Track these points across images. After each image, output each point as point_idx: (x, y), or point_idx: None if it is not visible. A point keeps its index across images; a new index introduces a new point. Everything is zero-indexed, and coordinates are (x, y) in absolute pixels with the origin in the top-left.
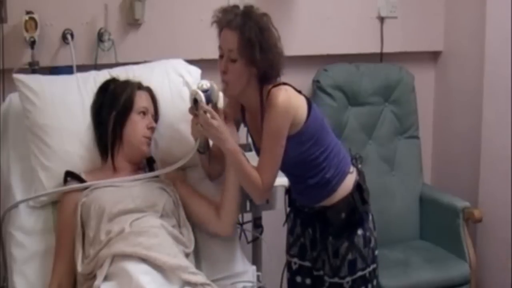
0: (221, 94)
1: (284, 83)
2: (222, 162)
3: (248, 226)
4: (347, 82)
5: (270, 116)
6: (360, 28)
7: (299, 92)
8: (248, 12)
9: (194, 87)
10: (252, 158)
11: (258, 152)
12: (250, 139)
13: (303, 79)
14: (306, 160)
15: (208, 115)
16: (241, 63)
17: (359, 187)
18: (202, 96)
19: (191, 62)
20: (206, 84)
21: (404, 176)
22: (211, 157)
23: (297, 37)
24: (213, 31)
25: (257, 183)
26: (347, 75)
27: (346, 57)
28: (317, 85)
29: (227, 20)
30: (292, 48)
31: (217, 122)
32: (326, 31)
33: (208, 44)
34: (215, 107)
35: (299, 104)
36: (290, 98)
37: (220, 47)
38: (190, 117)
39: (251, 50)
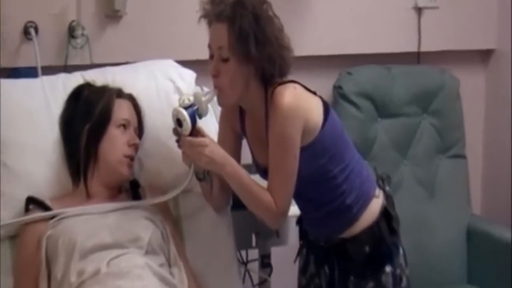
0: (209, 106)
1: (292, 81)
2: (230, 188)
3: (254, 266)
4: (376, 88)
5: (276, 121)
6: (392, 21)
7: (314, 93)
8: (241, 0)
9: (177, 104)
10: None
11: (262, 173)
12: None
13: (322, 84)
14: (321, 179)
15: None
16: (234, 61)
17: (386, 214)
18: (185, 116)
19: (184, 63)
20: (188, 98)
21: (447, 205)
22: (214, 183)
23: (314, 33)
24: None
25: (270, 206)
26: (376, 80)
27: (374, 58)
28: (338, 92)
29: (216, 12)
30: (307, 47)
31: (207, 147)
32: (350, 25)
33: (205, 41)
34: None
35: (312, 106)
36: (299, 98)
37: (209, 46)
38: None
39: (244, 44)
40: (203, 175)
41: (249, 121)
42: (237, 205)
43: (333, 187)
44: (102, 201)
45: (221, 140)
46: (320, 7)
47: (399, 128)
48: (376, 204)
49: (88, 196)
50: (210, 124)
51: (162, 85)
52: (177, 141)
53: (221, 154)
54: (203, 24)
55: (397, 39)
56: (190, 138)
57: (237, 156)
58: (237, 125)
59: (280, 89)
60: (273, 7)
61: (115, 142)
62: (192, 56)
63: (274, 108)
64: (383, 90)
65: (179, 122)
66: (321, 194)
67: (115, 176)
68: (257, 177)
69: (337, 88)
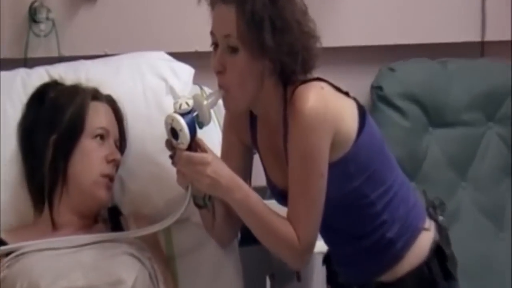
0: (212, 112)
1: (319, 79)
2: (238, 217)
3: None
4: (426, 88)
5: (298, 130)
6: (448, 3)
7: (346, 94)
8: None
9: (171, 109)
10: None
11: (279, 197)
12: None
13: (356, 84)
14: (355, 206)
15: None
16: (244, 54)
17: (439, 251)
18: (183, 125)
19: (178, 56)
20: (186, 101)
21: None
22: (218, 211)
23: (346, 18)
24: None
25: (291, 241)
26: (427, 78)
27: (425, 49)
28: (378, 94)
29: None
30: (338, 36)
31: (210, 166)
32: (393, 8)
33: (206, 28)
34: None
35: (343, 111)
36: (327, 100)
37: (212, 34)
38: None
39: (257, 31)
40: (203, 201)
41: (262, 130)
42: (247, 239)
43: (371, 217)
44: (73, 233)
45: (226, 155)
46: None
47: (456, 141)
48: (425, 239)
49: (55, 227)
50: (213, 135)
51: (151, 84)
52: (171, 156)
53: (228, 175)
54: (204, 6)
55: (454, 26)
56: (188, 153)
57: (246, 175)
58: (246, 135)
59: (303, 89)
60: None
61: (90, 158)
62: (189, 47)
63: (295, 113)
64: (436, 91)
65: (174, 132)
66: (354, 225)
67: (90, 201)
68: (272, 203)
69: (376, 89)
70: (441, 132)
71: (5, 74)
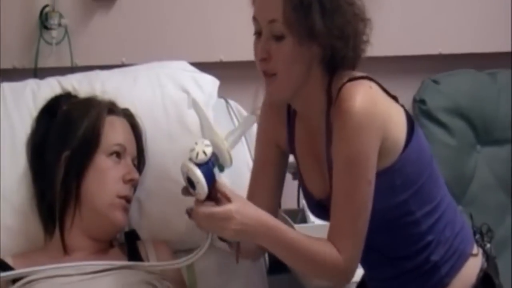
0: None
1: (367, 77)
2: None
3: None
4: (474, 102)
5: (345, 131)
6: (495, 10)
7: (395, 99)
8: None
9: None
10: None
11: (316, 209)
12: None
13: (398, 96)
14: (398, 224)
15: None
16: (292, 40)
17: (487, 281)
18: (199, 177)
19: (202, 66)
20: (204, 149)
21: None
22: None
23: (386, 27)
24: (242, 12)
25: (335, 262)
26: (474, 91)
27: (471, 60)
28: (420, 108)
29: None
30: (377, 46)
31: (234, 220)
32: (436, 15)
33: (231, 37)
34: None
35: (393, 115)
36: (377, 101)
37: (254, 19)
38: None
39: (305, 15)
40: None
41: (300, 131)
42: (276, 268)
43: (415, 236)
44: (86, 258)
45: (260, 161)
46: None
47: (507, 160)
48: (472, 266)
49: (66, 252)
50: (240, 154)
51: (172, 96)
52: (188, 212)
53: (254, 221)
54: (234, 9)
55: (502, 35)
56: (207, 210)
57: (280, 182)
58: (282, 138)
59: (350, 87)
60: None
61: (105, 177)
62: (213, 57)
63: (342, 112)
64: (484, 105)
65: (190, 182)
66: (397, 245)
67: (105, 224)
68: (303, 227)
69: (419, 102)
70: (490, 151)
71: (14, 85)
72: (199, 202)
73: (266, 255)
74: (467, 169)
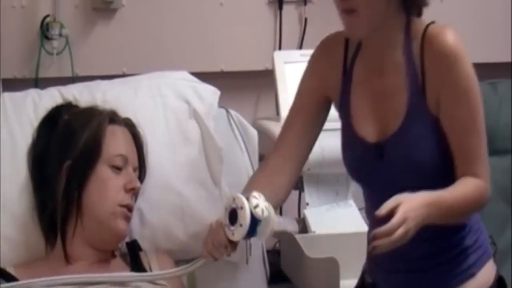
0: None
1: None
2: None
3: None
4: None
5: (455, 68)
6: (495, 20)
7: None
8: None
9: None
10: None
11: (363, 151)
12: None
13: None
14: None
15: None
16: None
17: (501, 283)
18: (247, 219)
19: (202, 76)
20: (265, 208)
21: None
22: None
23: None
24: (242, 22)
25: (482, 191)
26: None
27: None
28: None
29: None
30: None
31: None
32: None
33: (231, 47)
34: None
35: None
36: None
37: None
38: (202, 173)
39: None
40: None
41: (360, 70)
42: (277, 277)
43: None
44: (87, 268)
45: (301, 101)
46: None
47: (507, 170)
48: (491, 267)
49: (68, 262)
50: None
51: (173, 106)
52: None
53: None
54: (230, 22)
55: (504, 44)
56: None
57: (313, 137)
58: (334, 83)
59: (439, 26)
60: None
61: (106, 186)
62: (213, 67)
63: (444, 51)
64: (485, 115)
65: (233, 216)
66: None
67: (106, 233)
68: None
69: None
70: (491, 161)
71: (15, 95)
72: (226, 241)
73: (267, 264)
74: None
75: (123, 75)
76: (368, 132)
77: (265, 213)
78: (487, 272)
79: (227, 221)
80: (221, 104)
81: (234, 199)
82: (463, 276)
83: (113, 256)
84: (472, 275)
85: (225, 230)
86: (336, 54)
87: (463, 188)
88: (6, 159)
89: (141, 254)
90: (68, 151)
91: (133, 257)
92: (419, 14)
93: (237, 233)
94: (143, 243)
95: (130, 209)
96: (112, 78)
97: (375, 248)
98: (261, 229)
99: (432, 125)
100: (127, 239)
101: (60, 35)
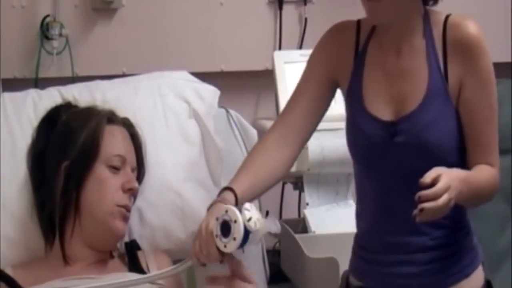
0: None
1: None
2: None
3: None
4: None
5: (480, 58)
6: (495, 20)
7: None
8: None
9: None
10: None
11: (381, 135)
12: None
13: None
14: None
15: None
16: None
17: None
18: (241, 231)
19: (202, 76)
20: (258, 221)
21: None
22: None
23: None
24: (243, 23)
25: (496, 178)
26: None
27: None
28: None
29: None
30: None
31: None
32: None
33: (231, 47)
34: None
35: None
36: None
37: None
38: (202, 173)
39: None
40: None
41: (375, 50)
42: (277, 277)
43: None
44: (86, 268)
45: (306, 82)
46: None
47: (507, 170)
48: (481, 271)
49: (67, 262)
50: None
51: (172, 106)
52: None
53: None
54: (230, 22)
55: (504, 44)
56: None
57: (315, 121)
58: (345, 65)
59: (458, 16)
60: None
61: (104, 186)
62: (213, 67)
63: (465, 37)
64: None
65: (225, 228)
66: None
67: (104, 233)
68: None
69: None
70: None
71: (15, 95)
72: (217, 253)
73: (267, 264)
74: None
75: (123, 75)
76: (382, 111)
77: (257, 225)
78: (479, 274)
79: (218, 232)
80: (221, 104)
81: (226, 211)
82: (459, 275)
83: (111, 256)
84: (467, 275)
85: (216, 240)
86: (348, 38)
87: (485, 174)
88: (5, 158)
89: (139, 254)
90: (67, 151)
91: (131, 257)
92: (435, 2)
93: (230, 246)
94: (142, 243)
95: (128, 209)
96: (112, 78)
97: (422, 210)
98: (251, 239)
99: (449, 110)
100: (126, 239)
101: (60, 35)
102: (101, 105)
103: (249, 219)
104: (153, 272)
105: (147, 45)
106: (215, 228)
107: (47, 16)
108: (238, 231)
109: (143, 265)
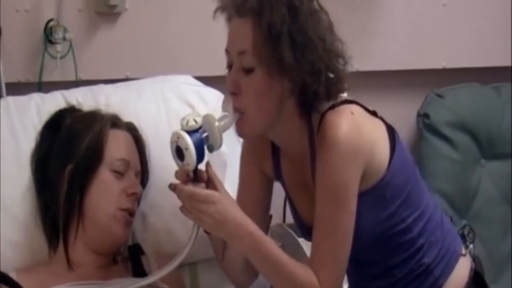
0: (222, 136)
1: (348, 101)
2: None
3: None
4: (478, 116)
5: (328, 162)
6: (498, 24)
7: (374, 113)
8: None
9: (178, 126)
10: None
11: (307, 234)
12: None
13: (401, 111)
14: (390, 235)
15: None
16: (261, 73)
17: (478, 280)
18: (189, 143)
19: (206, 80)
20: (195, 118)
21: None
22: (234, 254)
23: (389, 41)
24: None
25: (309, 284)
26: (479, 105)
27: (475, 73)
28: (425, 122)
29: (237, 2)
30: (380, 60)
31: (215, 205)
32: (441, 27)
33: None
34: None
35: (376, 136)
36: (361, 128)
37: (226, 52)
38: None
39: (275, 47)
40: None
41: (286, 161)
42: None
43: (407, 243)
44: (90, 273)
45: (244, 186)
46: (396, 4)
47: (511, 175)
48: (464, 266)
49: (70, 266)
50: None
51: (176, 110)
52: (172, 187)
53: (235, 219)
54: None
55: (507, 48)
56: (191, 189)
57: (266, 207)
58: (268, 166)
59: (332, 116)
60: (330, 4)
61: (108, 190)
62: (217, 71)
63: (326, 143)
64: (488, 119)
65: (179, 152)
66: (389, 255)
67: (107, 237)
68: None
69: (423, 117)
70: (495, 165)
71: (18, 99)
72: (186, 180)
73: None
74: (471, 184)
75: (127, 79)
76: (306, 214)
77: (198, 119)
78: (458, 275)
79: (179, 162)
80: (225, 108)
81: (178, 137)
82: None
83: (115, 261)
84: (440, 286)
85: (183, 169)
86: (265, 143)
87: (294, 264)
88: (9, 162)
89: (143, 258)
90: (70, 155)
91: (135, 261)
92: (329, 95)
93: (189, 157)
94: (145, 247)
95: (131, 213)
96: (116, 82)
97: (175, 188)
98: (210, 137)
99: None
100: (130, 243)
101: (64, 39)
102: (104, 109)
103: (187, 123)
104: (153, 275)
105: (151, 49)
106: (172, 152)
107: (51, 20)
108: (183, 141)
109: (147, 270)
